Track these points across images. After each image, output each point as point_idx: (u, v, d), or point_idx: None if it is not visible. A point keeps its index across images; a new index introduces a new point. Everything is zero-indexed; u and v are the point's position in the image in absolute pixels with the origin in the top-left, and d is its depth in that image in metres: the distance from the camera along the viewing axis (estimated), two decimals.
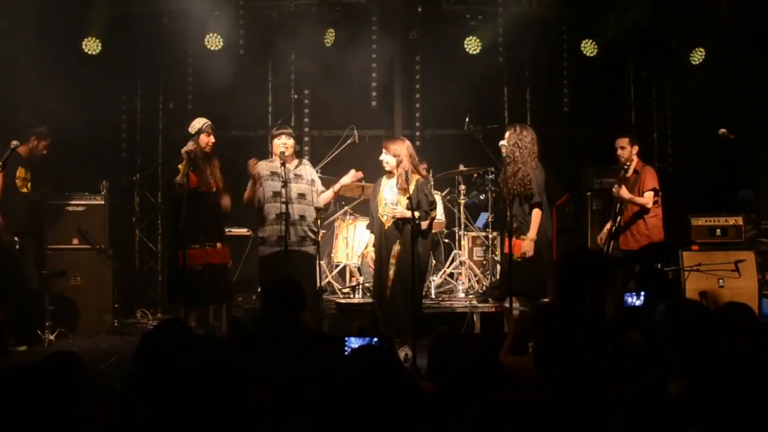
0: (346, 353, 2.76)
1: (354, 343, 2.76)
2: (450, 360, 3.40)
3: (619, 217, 6.40)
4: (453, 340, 3.69)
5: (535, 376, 2.60)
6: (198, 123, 6.12)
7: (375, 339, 2.76)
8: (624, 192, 6.32)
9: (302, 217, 5.97)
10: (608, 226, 6.45)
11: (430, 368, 3.71)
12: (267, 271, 5.97)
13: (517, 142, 5.80)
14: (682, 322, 2.53)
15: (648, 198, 6.34)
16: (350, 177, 6.11)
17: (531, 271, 5.66)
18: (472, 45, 8.02)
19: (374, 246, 6.08)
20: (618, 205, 6.41)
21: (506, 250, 5.66)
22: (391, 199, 5.95)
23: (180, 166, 5.96)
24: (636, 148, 6.46)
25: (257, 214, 6.11)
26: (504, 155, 5.86)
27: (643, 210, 6.36)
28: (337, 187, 6.16)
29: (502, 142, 5.93)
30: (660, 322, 2.58)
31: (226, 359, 2.11)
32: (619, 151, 6.45)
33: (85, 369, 2.71)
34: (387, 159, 5.93)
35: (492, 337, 6.11)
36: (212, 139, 6.13)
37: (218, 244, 6.17)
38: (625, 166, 6.38)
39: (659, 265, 6.28)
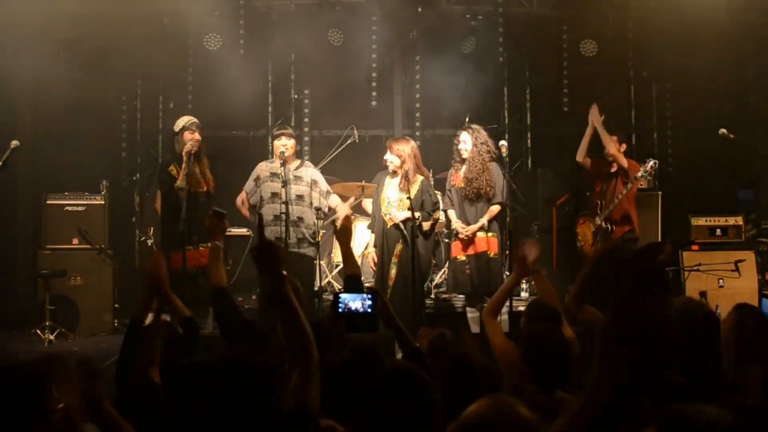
0: (339, 311, 2.77)
1: (347, 299, 2.77)
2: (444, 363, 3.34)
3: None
4: (447, 342, 3.53)
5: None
6: (182, 121, 6.05)
7: (367, 295, 2.78)
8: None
9: (300, 219, 5.96)
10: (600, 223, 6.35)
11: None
12: None
13: (485, 143, 5.96)
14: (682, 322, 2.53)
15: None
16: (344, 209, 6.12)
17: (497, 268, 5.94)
18: (467, 44, 8.02)
19: (375, 245, 6.07)
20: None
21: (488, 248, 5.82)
22: (394, 199, 5.96)
23: (172, 167, 5.92)
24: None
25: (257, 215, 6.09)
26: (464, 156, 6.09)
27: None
28: (336, 203, 6.21)
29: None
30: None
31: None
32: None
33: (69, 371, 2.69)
34: (391, 159, 5.93)
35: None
36: (197, 136, 5.97)
37: (208, 244, 6.12)
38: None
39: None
